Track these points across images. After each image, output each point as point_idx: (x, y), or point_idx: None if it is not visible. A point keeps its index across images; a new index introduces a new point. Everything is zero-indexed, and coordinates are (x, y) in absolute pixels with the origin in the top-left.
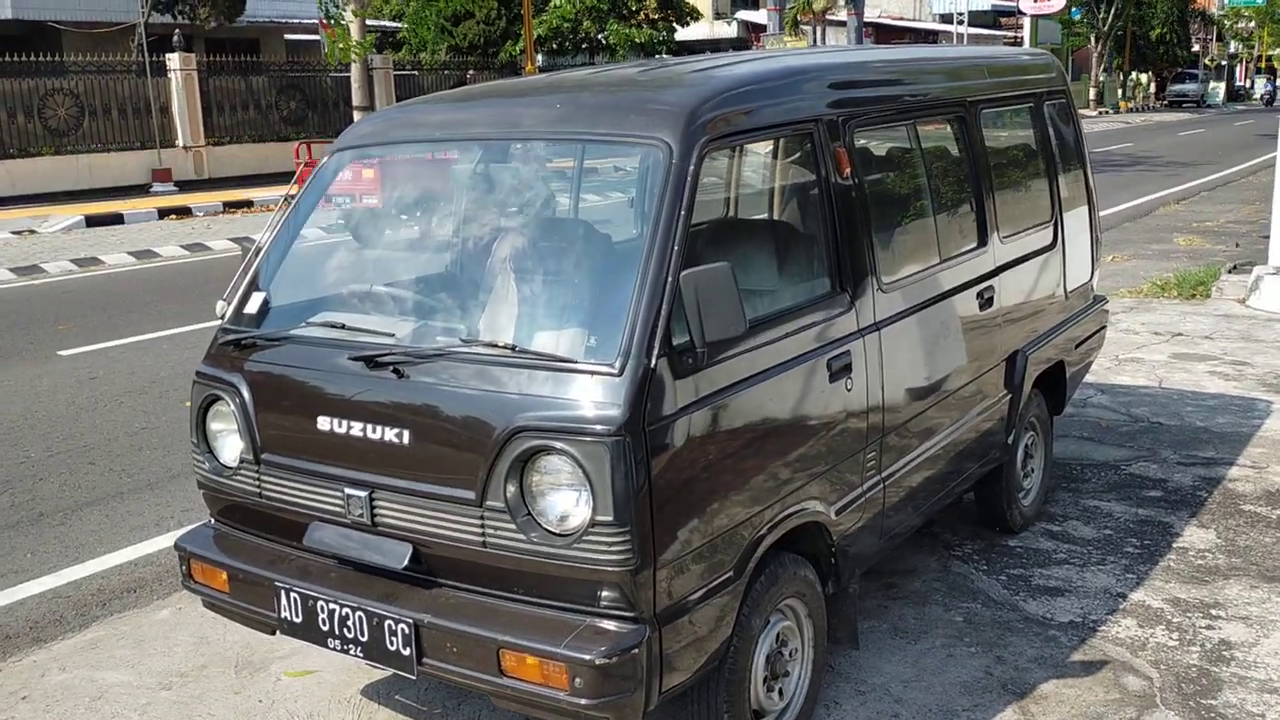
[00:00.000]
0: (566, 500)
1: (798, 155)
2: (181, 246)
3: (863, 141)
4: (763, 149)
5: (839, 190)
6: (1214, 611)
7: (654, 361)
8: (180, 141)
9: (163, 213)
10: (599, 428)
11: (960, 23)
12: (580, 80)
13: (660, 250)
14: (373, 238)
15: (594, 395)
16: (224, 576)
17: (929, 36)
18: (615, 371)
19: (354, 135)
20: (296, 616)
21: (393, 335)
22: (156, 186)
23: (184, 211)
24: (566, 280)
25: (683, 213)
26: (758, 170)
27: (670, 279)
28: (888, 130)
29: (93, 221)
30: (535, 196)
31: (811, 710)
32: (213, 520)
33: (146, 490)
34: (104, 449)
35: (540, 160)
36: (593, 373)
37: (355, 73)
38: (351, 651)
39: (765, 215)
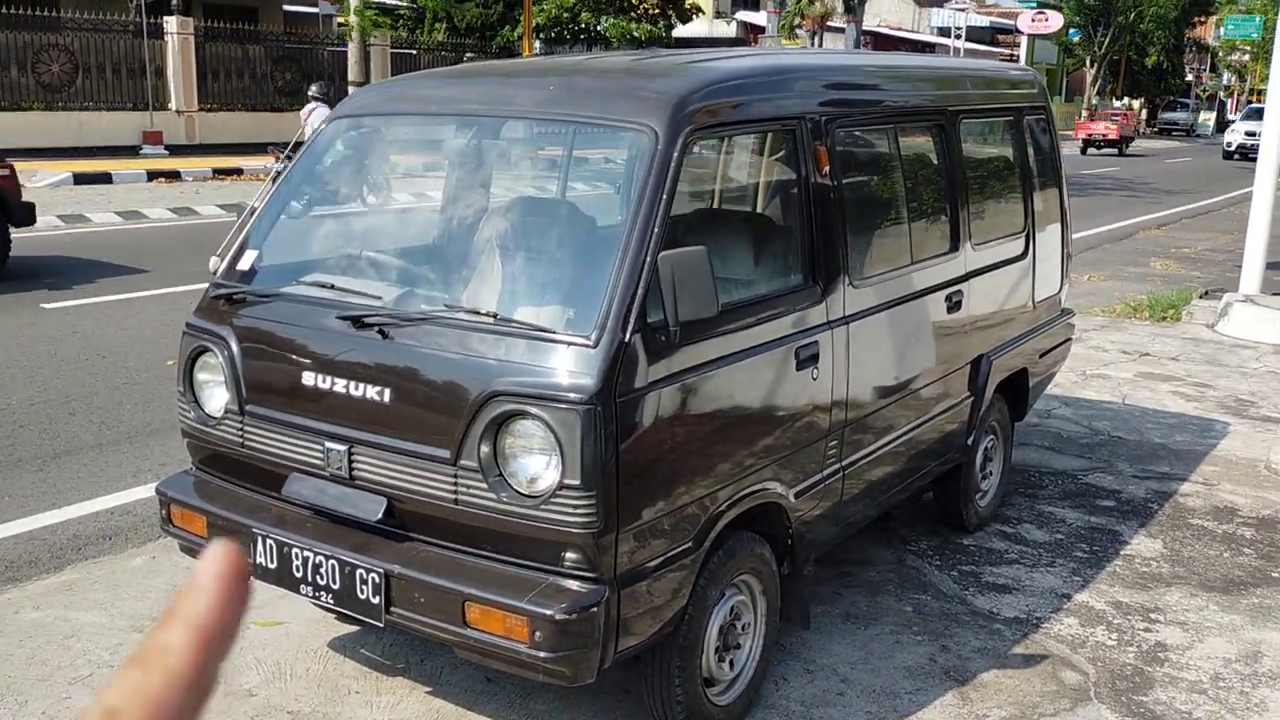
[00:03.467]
0: (537, 463)
1: (780, 151)
2: (169, 210)
3: (844, 142)
4: (747, 142)
5: (817, 187)
6: (1153, 615)
7: (628, 336)
8: (173, 105)
9: (152, 175)
10: (572, 395)
11: (958, 37)
12: (574, 64)
13: (641, 231)
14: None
15: (569, 365)
16: (202, 522)
17: (926, 49)
18: (590, 343)
19: (351, 105)
20: (271, 563)
21: (380, 298)
22: (147, 149)
23: (173, 175)
24: (549, 256)
25: (665, 197)
26: (741, 163)
27: (649, 259)
28: (869, 133)
29: (81, 179)
30: (524, 173)
31: (760, 683)
32: (194, 468)
33: (125, 443)
34: (85, 401)
35: (531, 139)
36: (569, 343)
37: (353, 49)
38: (323, 599)
39: (745, 207)
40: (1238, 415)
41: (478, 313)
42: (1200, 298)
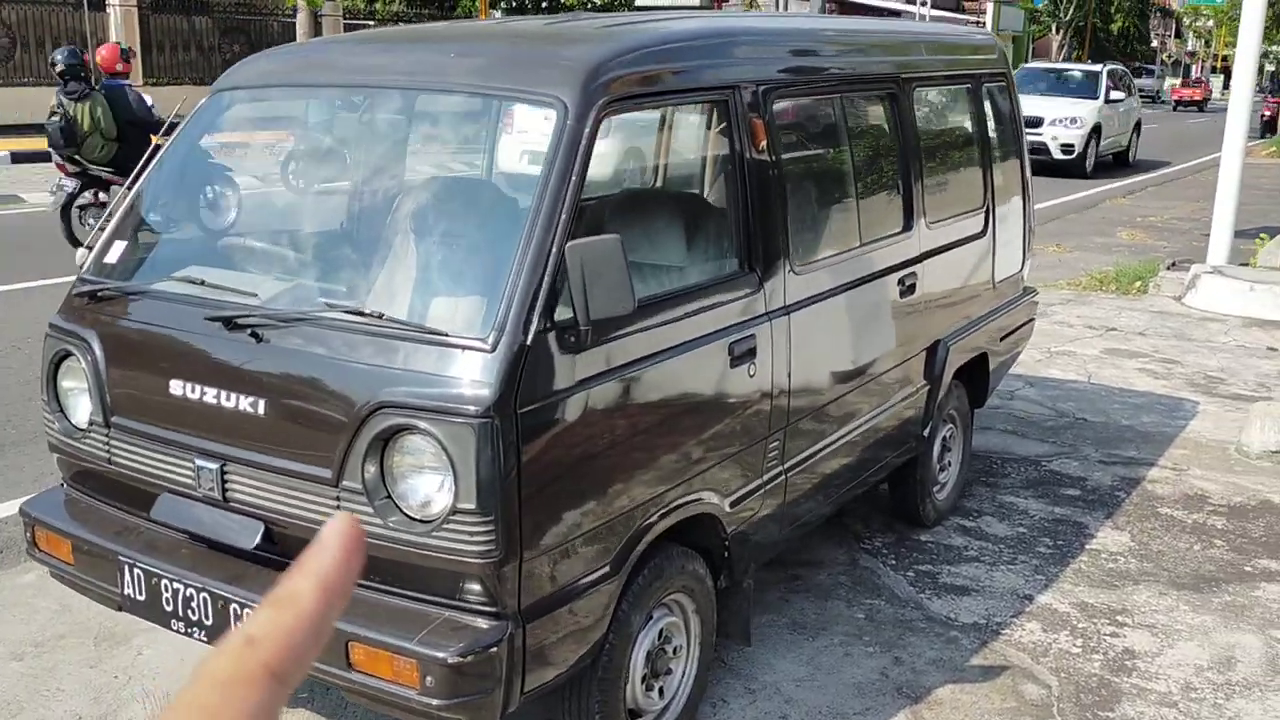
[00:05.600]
0: (429, 484)
1: (712, 124)
2: None
3: (784, 114)
4: (674, 115)
5: (753, 164)
6: (1120, 618)
7: (530, 338)
8: None
9: None
10: (466, 408)
11: (924, 4)
12: (483, 30)
13: (546, 217)
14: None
15: (463, 372)
16: (68, 547)
17: (891, 15)
18: (487, 347)
19: (234, 76)
20: (140, 594)
21: (255, 295)
22: None
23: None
24: (442, 244)
25: (574, 178)
26: (667, 138)
27: (555, 249)
28: (812, 103)
29: (19, 158)
30: (414, 151)
31: (695, 709)
32: (64, 485)
33: (30, 444)
34: None
35: (432, 113)
36: (463, 347)
37: (301, 19)
38: (195, 635)
39: (672, 187)
40: (1207, 393)
41: (361, 313)
42: (1167, 269)
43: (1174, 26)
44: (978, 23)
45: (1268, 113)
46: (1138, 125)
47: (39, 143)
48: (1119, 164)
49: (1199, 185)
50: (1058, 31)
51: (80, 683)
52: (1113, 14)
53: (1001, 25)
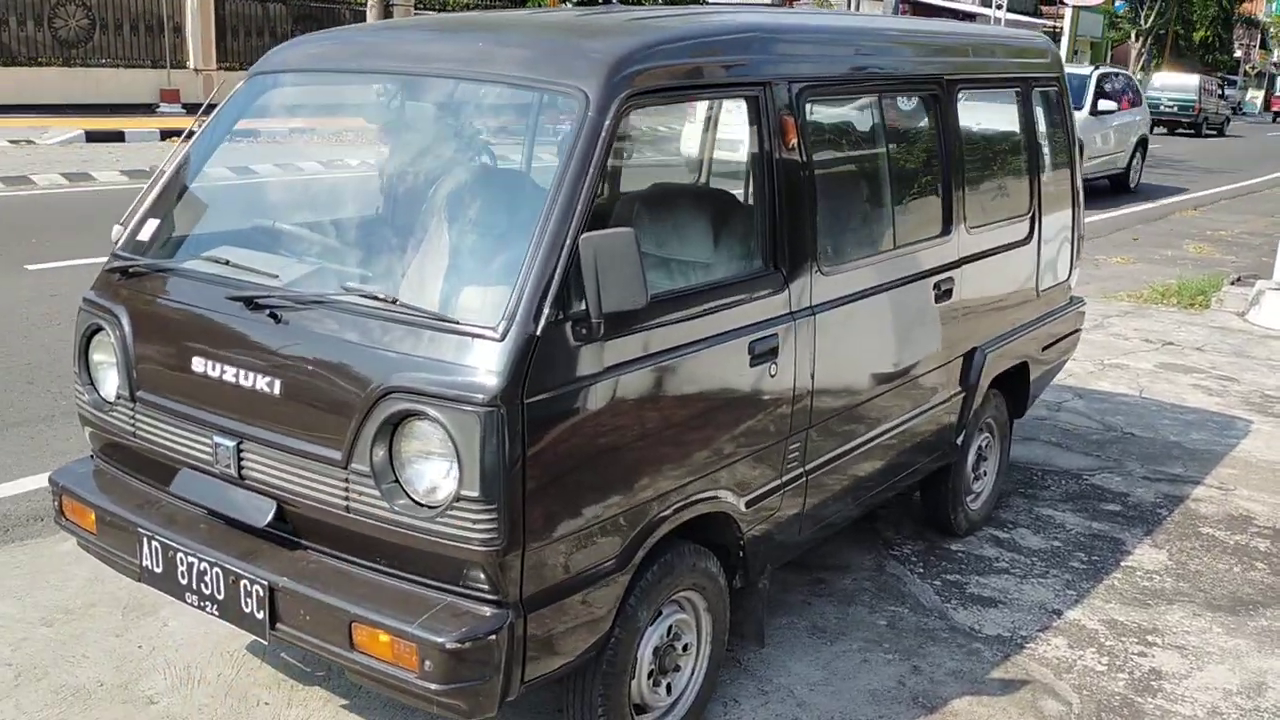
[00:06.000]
0: (436, 470)
1: (741, 121)
2: None
3: (818, 112)
4: (703, 111)
5: (783, 163)
6: (1150, 637)
7: (541, 329)
8: (191, 63)
9: (165, 134)
10: (473, 396)
11: (999, 7)
12: (515, 19)
13: (562, 209)
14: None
15: (472, 360)
16: (92, 517)
17: (966, 19)
18: (497, 336)
19: (271, 61)
20: (157, 566)
21: (277, 276)
22: (164, 107)
23: (188, 135)
24: (459, 232)
25: (593, 170)
26: (695, 133)
27: (569, 241)
28: (848, 103)
29: (92, 137)
30: (440, 140)
31: (704, 707)
32: (93, 456)
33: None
34: (46, 369)
35: (455, 101)
36: (474, 335)
37: (373, 8)
38: (208, 609)
39: (700, 182)
40: (1262, 412)
41: (376, 297)
42: (1232, 284)
43: (1259, 37)
44: (1054, 28)
45: None
46: (1141, 143)
47: (114, 123)
48: (1117, 189)
49: (1275, 200)
50: (1137, 39)
51: (105, 651)
52: (1195, 22)
53: (1080, 31)
